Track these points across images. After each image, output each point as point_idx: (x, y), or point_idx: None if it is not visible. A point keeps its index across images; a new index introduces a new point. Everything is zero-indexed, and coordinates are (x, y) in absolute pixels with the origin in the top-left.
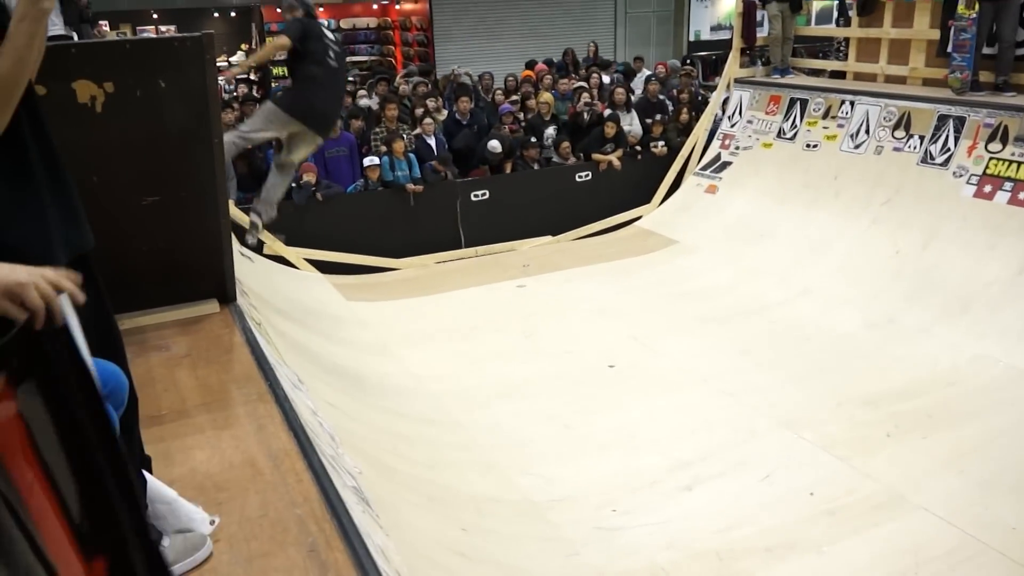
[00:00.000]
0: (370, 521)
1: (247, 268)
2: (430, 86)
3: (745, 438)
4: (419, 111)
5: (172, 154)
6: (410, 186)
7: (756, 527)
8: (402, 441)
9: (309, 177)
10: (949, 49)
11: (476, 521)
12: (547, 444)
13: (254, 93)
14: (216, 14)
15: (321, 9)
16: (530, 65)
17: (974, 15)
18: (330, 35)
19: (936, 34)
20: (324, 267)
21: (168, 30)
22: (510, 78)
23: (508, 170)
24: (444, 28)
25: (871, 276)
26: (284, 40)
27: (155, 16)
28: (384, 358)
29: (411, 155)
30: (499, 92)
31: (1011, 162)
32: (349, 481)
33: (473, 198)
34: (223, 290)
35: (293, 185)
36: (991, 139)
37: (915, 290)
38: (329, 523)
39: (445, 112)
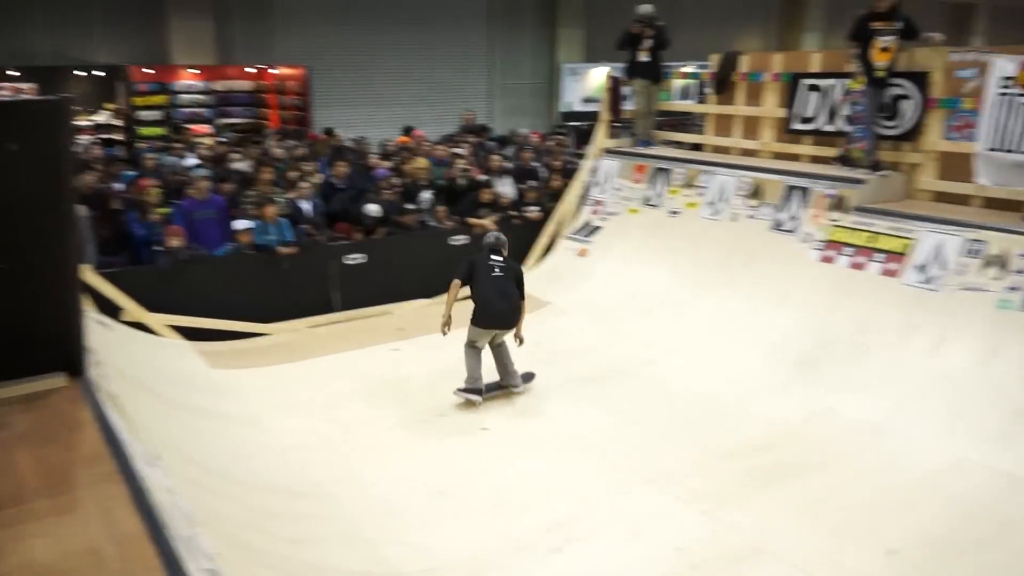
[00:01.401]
0: None
1: (104, 337)
2: (307, 149)
3: (615, 496)
4: (294, 174)
5: (22, 220)
6: (281, 248)
7: None
8: (267, 517)
9: (176, 241)
10: (846, 126)
11: None
12: (418, 511)
13: (117, 154)
14: (81, 73)
15: (195, 72)
16: (407, 131)
17: (862, 87)
18: (495, 260)
19: (783, 112)
20: (190, 334)
21: (28, 88)
22: (388, 143)
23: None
24: (322, 93)
25: (730, 336)
26: (455, 284)
27: (15, 74)
28: (252, 429)
29: (283, 219)
30: (376, 157)
31: (850, 229)
32: (205, 564)
33: (348, 261)
34: (72, 362)
35: (158, 249)
36: (832, 208)
37: (769, 348)
38: None
39: (320, 176)
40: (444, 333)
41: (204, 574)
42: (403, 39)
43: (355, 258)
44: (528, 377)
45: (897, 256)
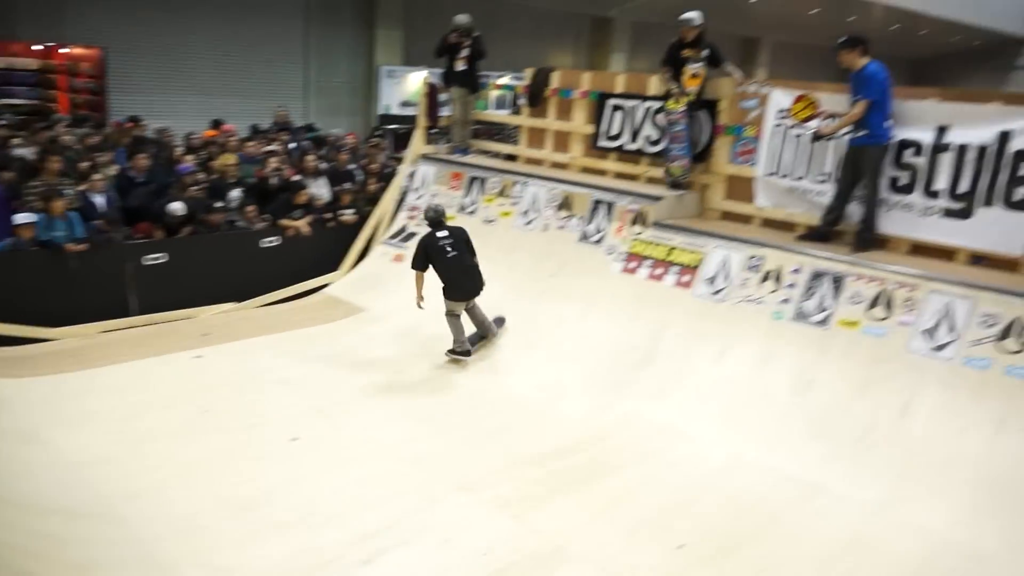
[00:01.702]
0: None
1: None
2: (102, 138)
3: (425, 505)
4: (86, 165)
5: None
6: (71, 245)
7: None
8: (49, 542)
9: None
10: (664, 143)
11: None
12: (222, 529)
13: None
14: None
15: None
16: (216, 124)
17: (682, 108)
18: (442, 237)
19: (591, 128)
20: None
21: None
22: (194, 136)
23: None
24: (120, 77)
25: (539, 342)
26: (418, 276)
27: None
28: (32, 445)
29: (73, 214)
30: (180, 150)
31: (649, 243)
32: None
33: (147, 262)
34: None
35: None
36: (634, 222)
37: (574, 354)
38: None
39: (116, 167)
40: (420, 308)
41: None
42: (216, 25)
43: (155, 258)
44: (500, 321)
45: (690, 269)
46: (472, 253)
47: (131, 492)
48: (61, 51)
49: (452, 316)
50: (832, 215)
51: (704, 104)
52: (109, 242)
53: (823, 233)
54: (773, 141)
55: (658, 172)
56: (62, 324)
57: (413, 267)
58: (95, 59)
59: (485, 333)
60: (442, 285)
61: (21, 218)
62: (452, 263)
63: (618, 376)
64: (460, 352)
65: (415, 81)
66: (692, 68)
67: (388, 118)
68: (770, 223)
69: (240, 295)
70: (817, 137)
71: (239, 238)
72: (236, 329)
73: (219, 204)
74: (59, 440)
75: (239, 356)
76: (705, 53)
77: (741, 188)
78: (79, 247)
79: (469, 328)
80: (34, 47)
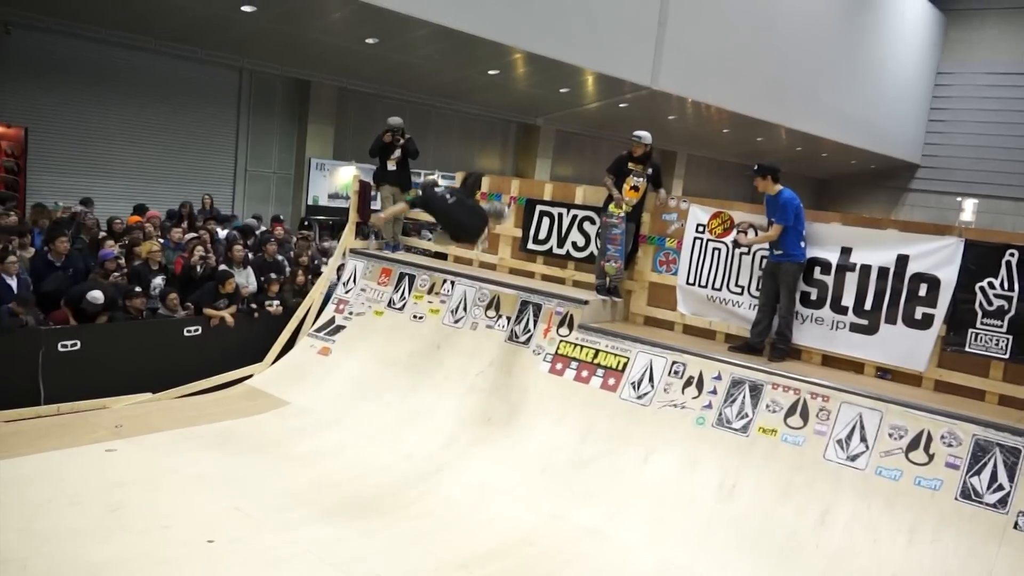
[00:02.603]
0: None
1: None
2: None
3: None
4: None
5: None
6: None
7: None
8: None
9: None
10: (600, 245)
11: None
12: None
13: None
14: None
15: None
16: (140, 210)
17: (623, 213)
18: (440, 189)
19: (520, 232)
20: None
21: None
22: (117, 221)
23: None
24: (41, 157)
25: (467, 441)
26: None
27: None
28: None
29: None
30: (102, 235)
31: (575, 344)
32: None
33: (60, 348)
34: None
35: None
36: (561, 324)
37: (502, 455)
38: None
39: (32, 250)
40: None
41: None
42: (144, 109)
43: (69, 344)
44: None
45: (615, 372)
46: (471, 194)
47: None
48: None
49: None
50: (759, 327)
51: (636, 216)
52: (23, 326)
53: (752, 345)
54: (693, 252)
55: (584, 276)
56: None
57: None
58: (15, 138)
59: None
60: (449, 234)
61: None
62: (454, 207)
63: (545, 477)
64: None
65: (344, 174)
66: (634, 180)
67: (317, 208)
68: (691, 330)
69: (158, 385)
70: (737, 245)
71: (159, 326)
72: (152, 421)
73: (139, 290)
74: None
75: (154, 450)
76: (649, 171)
77: (663, 295)
78: None
79: None
80: None
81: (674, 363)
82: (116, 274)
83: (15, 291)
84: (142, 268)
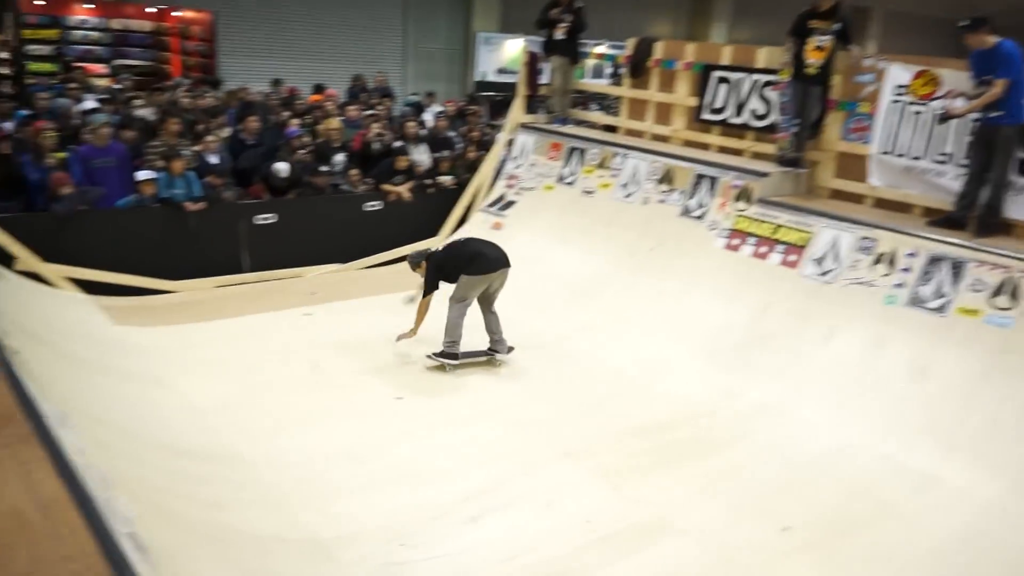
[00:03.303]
0: (148, 571)
1: None
2: (217, 100)
3: (528, 469)
4: (201, 127)
5: None
6: (190, 204)
7: (537, 555)
8: (180, 479)
9: (66, 189)
10: (777, 117)
11: (259, 563)
12: (333, 478)
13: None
14: None
15: (89, 7)
16: (319, 89)
17: (786, 79)
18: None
19: (694, 101)
20: (89, 288)
21: None
22: (299, 101)
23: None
24: (228, 41)
25: (639, 316)
26: (429, 300)
27: None
28: (158, 389)
29: (190, 173)
30: (286, 114)
31: (754, 220)
32: (124, 528)
33: (258, 221)
34: None
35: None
36: (738, 198)
37: (676, 330)
38: None
39: (229, 130)
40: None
41: (125, 538)
42: None
43: (265, 218)
44: (510, 349)
45: (796, 248)
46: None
47: (250, 439)
48: (173, 14)
49: (460, 304)
50: (966, 200)
51: (822, 78)
52: (223, 201)
53: (955, 219)
54: (889, 118)
55: (764, 147)
56: (181, 278)
57: (426, 292)
58: (205, 23)
59: (495, 347)
60: (463, 270)
61: (144, 175)
62: (469, 241)
63: (722, 354)
64: (448, 354)
65: (511, 48)
66: (818, 40)
67: (485, 85)
68: (884, 203)
69: (343, 256)
70: (945, 118)
71: (344, 201)
72: (341, 289)
73: (325, 168)
74: (183, 386)
75: (345, 315)
76: (837, 27)
77: (853, 166)
78: (198, 206)
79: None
80: (147, 9)
81: (863, 239)
82: (301, 151)
83: (216, 168)
84: (324, 145)
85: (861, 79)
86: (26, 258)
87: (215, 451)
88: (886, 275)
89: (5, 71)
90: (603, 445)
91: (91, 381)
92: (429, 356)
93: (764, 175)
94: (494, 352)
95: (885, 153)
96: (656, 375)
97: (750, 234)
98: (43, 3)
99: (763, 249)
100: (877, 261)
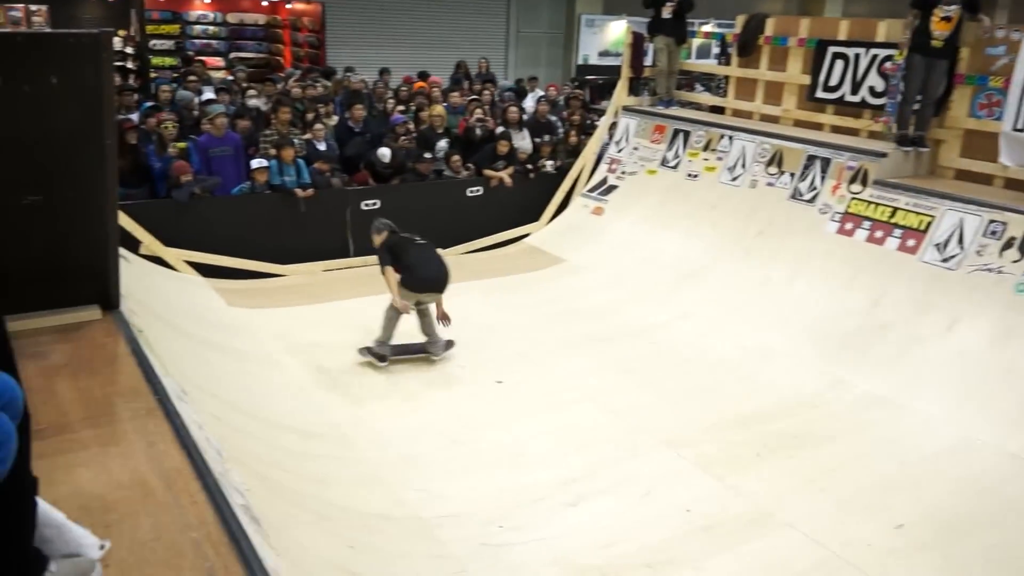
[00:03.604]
0: (261, 542)
1: (123, 269)
2: (325, 89)
3: (627, 456)
4: (310, 115)
5: (59, 153)
6: (300, 191)
7: (637, 543)
8: (289, 455)
9: (187, 177)
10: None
11: (364, 538)
12: (435, 459)
13: (131, 82)
14: None
15: (208, 2)
16: (423, 76)
17: (901, 61)
18: (407, 234)
19: (807, 79)
20: (205, 270)
21: (39, 10)
22: (403, 89)
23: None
24: (336, 32)
25: (743, 303)
26: (390, 271)
27: None
28: (269, 368)
29: (300, 160)
30: (391, 101)
31: (869, 203)
32: (239, 500)
33: (364, 207)
34: (106, 295)
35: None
36: (853, 180)
37: (783, 318)
38: (227, 547)
39: (336, 118)
40: (408, 312)
41: (240, 509)
42: None
43: (371, 203)
44: (448, 344)
45: (916, 233)
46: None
47: (353, 419)
48: (287, 6)
49: (392, 312)
50: None
51: (949, 51)
52: (332, 188)
53: None
54: None
55: (882, 126)
56: (290, 262)
57: (384, 265)
58: (315, 14)
59: (429, 348)
60: (401, 277)
61: (257, 163)
62: (421, 250)
63: (831, 343)
64: (376, 354)
65: (614, 30)
66: (944, 11)
67: (587, 68)
68: (1015, 184)
69: (445, 241)
70: None
71: (446, 187)
72: None
73: (428, 155)
74: (291, 365)
75: (447, 300)
76: None
77: (982, 144)
78: (308, 192)
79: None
80: (262, 3)
81: (991, 222)
82: (404, 138)
83: (325, 155)
84: (427, 131)
85: (992, 51)
86: (150, 242)
87: (320, 429)
88: (1016, 261)
89: (130, 65)
90: (705, 434)
91: (206, 358)
92: (361, 349)
93: (882, 155)
94: (426, 351)
95: (1018, 130)
96: (761, 364)
97: (865, 217)
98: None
99: (879, 234)
100: (1007, 246)
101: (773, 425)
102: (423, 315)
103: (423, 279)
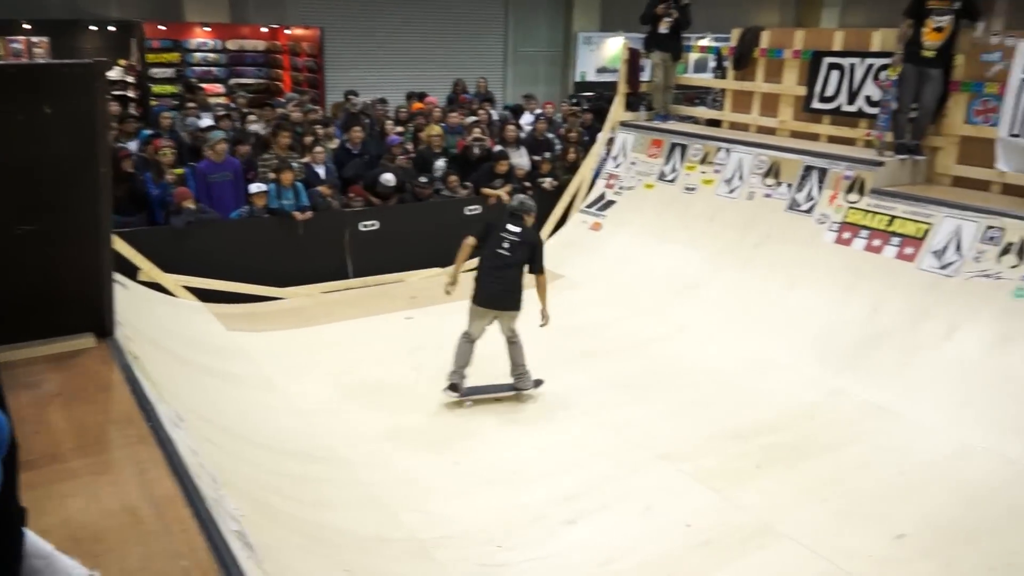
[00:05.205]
0: (253, 568)
1: (120, 296)
2: (321, 113)
3: (626, 471)
4: (309, 139)
5: (53, 182)
6: (298, 213)
7: (637, 559)
8: (285, 479)
9: (188, 203)
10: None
11: (361, 561)
12: (433, 480)
13: (131, 111)
14: (93, 27)
15: (207, 30)
16: (420, 97)
17: (895, 76)
18: (511, 230)
19: (803, 90)
20: (204, 295)
21: (40, 41)
22: (401, 110)
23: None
24: (334, 55)
25: (741, 315)
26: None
27: (27, 27)
28: (267, 392)
29: (299, 184)
30: (389, 122)
31: (867, 212)
32: (232, 525)
33: (362, 228)
34: (101, 323)
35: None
36: (850, 190)
37: (781, 328)
38: (216, 575)
39: (336, 140)
40: (448, 293)
41: (233, 535)
42: (421, 2)
43: (369, 225)
44: (537, 383)
45: (913, 240)
46: (533, 260)
47: (351, 441)
48: (285, 32)
49: (466, 337)
50: None
51: (942, 61)
52: (330, 210)
53: None
54: (1020, 98)
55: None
56: (289, 284)
57: (470, 234)
58: (313, 39)
59: (516, 383)
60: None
61: (255, 188)
62: (494, 259)
63: (830, 353)
64: (450, 386)
65: (612, 47)
66: (936, 21)
67: (584, 84)
68: (1012, 190)
69: (444, 260)
70: None
71: (444, 206)
72: (441, 293)
73: (424, 178)
74: (289, 388)
75: (445, 319)
76: (957, 5)
77: (978, 150)
78: (306, 215)
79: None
80: (261, 29)
81: (989, 228)
82: (402, 157)
83: (324, 178)
84: (425, 151)
85: (987, 58)
86: (148, 269)
87: (318, 452)
88: (1014, 266)
89: (131, 94)
90: (703, 447)
91: (203, 383)
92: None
93: (878, 164)
94: (515, 388)
95: (1014, 136)
96: (760, 375)
97: (863, 226)
98: (164, 28)
99: (877, 242)
100: (1005, 252)
101: (772, 436)
102: (510, 343)
103: (475, 292)
